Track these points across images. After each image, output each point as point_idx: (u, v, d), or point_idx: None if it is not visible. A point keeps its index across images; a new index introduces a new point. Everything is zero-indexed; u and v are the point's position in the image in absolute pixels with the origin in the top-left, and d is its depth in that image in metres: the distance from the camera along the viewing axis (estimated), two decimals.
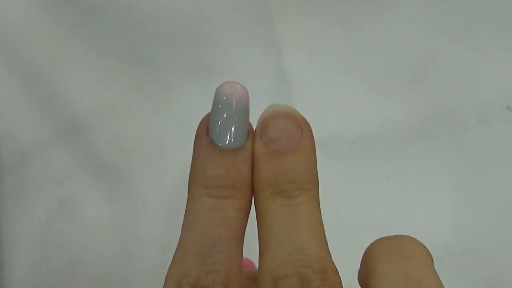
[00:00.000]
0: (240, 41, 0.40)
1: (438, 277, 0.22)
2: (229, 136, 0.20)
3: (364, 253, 0.21)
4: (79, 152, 0.38)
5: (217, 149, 0.20)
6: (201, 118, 0.41)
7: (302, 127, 0.21)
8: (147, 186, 0.38)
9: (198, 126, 0.21)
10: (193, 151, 0.21)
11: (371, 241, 0.36)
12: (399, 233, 0.38)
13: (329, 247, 0.37)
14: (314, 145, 0.21)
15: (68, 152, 0.38)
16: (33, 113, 0.39)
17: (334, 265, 0.20)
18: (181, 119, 0.39)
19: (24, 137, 0.38)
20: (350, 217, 0.37)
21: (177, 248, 0.20)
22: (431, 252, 0.37)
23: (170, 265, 0.20)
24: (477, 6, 0.41)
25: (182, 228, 0.20)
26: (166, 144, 0.38)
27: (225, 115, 0.20)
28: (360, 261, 0.37)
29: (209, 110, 0.42)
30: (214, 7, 0.41)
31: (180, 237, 0.20)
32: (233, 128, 0.20)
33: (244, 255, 0.21)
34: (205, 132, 0.21)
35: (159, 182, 0.38)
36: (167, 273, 0.20)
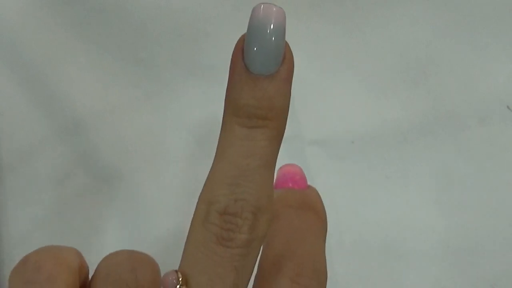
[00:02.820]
0: None
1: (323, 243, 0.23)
2: (263, 61, 0.19)
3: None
4: (79, 152, 0.38)
5: (250, 77, 0.19)
6: (201, 118, 0.41)
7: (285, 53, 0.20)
8: (147, 186, 0.38)
9: (234, 49, 0.20)
10: (229, 75, 0.20)
11: (371, 241, 0.36)
12: (398, 233, 0.38)
13: (329, 247, 0.37)
14: (292, 77, 0.20)
15: (68, 152, 0.38)
16: (33, 113, 0.39)
17: (271, 210, 0.20)
18: (181, 119, 0.39)
19: (24, 137, 0.38)
20: (350, 217, 0.37)
21: (208, 177, 0.20)
22: (431, 252, 0.37)
23: (201, 193, 0.20)
24: (477, 6, 0.41)
25: (215, 155, 0.20)
26: (166, 144, 0.38)
27: (258, 41, 0.19)
28: (360, 261, 0.37)
29: (209, 110, 0.43)
30: (214, 7, 0.41)
31: (212, 166, 0.20)
32: (267, 55, 0.19)
33: None
34: (241, 55, 0.20)
35: (159, 182, 0.38)
36: (198, 201, 0.20)
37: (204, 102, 0.39)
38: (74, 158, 0.38)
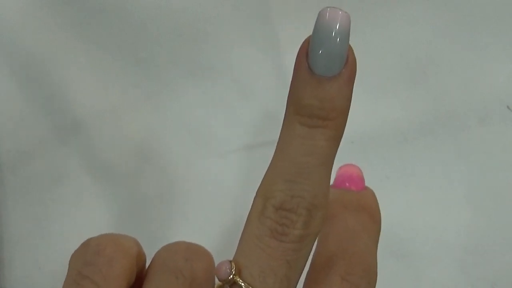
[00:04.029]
0: (240, 41, 0.40)
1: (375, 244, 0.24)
2: (327, 63, 0.20)
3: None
4: (79, 152, 0.38)
5: (314, 77, 0.20)
6: (201, 118, 0.41)
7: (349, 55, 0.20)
8: (147, 186, 0.38)
9: (299, 50, 0.20)
10: (293, 75, 0.21)
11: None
12: (398, 233, 0.38)
13: None
14: (354, 78, 0.21)
15: (68, 152, 0.38)
16: (33, 113, 0.39)
17: (326, 208, 0.21)
18: (181, 119, 0.39)
19: (24, 137, 0.38)
20: None
21: (267, 171, 0.21)
22: (431, 252, 0.37)
23: (259, 186, 0.21)
24: (477, 6, 0.41)
25: (274, 152, 0.21)
26: (166, 144, 0.38)
27: (324, 44, 0.20)
28: None
29: (209, 111, 0.43)
30: (214, 7, 0.41)
31: (272, 160, 0.21)
32: (331, 57, 0.20)
33: None
34: (305, 56, 0.20)
35: (159, 182, 0.38)
36: (256, 194, 0.21)
37: (204, 102, 0.39)
38: (74, 158, 0.38)
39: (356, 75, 0.43)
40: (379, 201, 0.38)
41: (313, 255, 0.23)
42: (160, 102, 0.39)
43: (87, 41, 0.40)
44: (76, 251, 0.22)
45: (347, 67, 0.20)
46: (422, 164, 0.38)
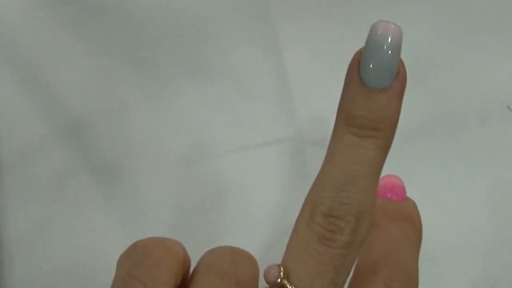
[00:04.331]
0: (240, 41, 0.40)
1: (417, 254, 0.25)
2: (378, 76, 0.20)
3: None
4: (79, 152, 0.38)
5: (364, 89, 0.20)
6: (201, 118, 0.41)
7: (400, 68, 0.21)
8: (147, 186, 0.38)
9: (351, 61, 0.21)
10: (344, 86, 0.21)
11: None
12: None
13: None
14: (404, 92, 0.21)
15: (68, 152, 0.38)
16: (33, 113, 0.39)
17: (373, 216, 0.21)
18: (181, 119, 0.39)
19: (24, 137, 0.38)
20: None
21: (316, 179, 0.22)
22: (430, 252, 0.37)
23: (308, 193, 0.22)
24: (477, 6, 0.41)
25: (324, 160, 0.22)
26: (166, 144, 0.38)
27: (375, 57, 0.20)
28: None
29: (209, 111, 0.43)
30: (214, 7, 0.41)
31: (321, 168, 0.22)
32: (382, 70, 0.20)
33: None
34: (357, 68, 0.20)
35: (159, 182, 0.38)
36: (305, 200, 0.22)
37: (204, 102, 0.39)
38: (74, 158, 0.38)
39: None
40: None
41: (357, 262, 0.23)
42: (160, 102, 0.39)
43: (87, 41, 0.40)
44: (124, 253, 0.23)
45: (398, 80, 0.20)
46: (422, 164, 0.38)
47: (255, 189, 0.37)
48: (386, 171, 0.38)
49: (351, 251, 0.21)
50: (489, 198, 0.37)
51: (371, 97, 0.20)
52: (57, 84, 0.39)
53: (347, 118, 0.21)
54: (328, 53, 0.40)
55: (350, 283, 0.23)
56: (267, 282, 0.21)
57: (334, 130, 0.22)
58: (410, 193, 0.38)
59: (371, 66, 0.20)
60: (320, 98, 0.39)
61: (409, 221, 0.25)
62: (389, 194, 0.27)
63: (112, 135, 0.38)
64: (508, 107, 0.39)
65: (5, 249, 0.36)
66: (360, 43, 0.43)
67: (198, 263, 0.23)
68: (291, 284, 0.21)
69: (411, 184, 0.38)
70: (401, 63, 0.20)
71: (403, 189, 0.27)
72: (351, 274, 0.22)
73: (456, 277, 0.36)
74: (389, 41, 0.20)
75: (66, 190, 0.37)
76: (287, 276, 0.21)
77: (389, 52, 0.20)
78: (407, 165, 0.38)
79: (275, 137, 0.39)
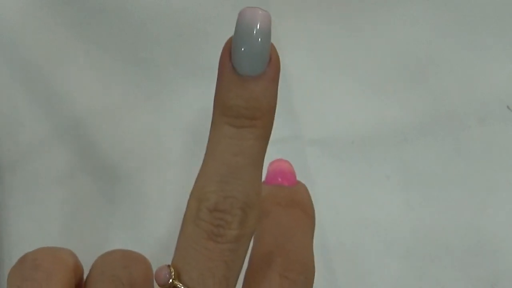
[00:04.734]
0: None
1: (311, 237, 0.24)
2: (250, 63, 0.20)
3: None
4: (79, 152, 0.38)
5: (238, 77, 0.20)
6: (201, 118, 0.41)
7: (271, 55, 0.20)
8: (147, 186, 0.38)
9: (222, 51, 0.20)
10: (217, 77, 0.21)
11: (371, 241, 0.36)
12: (398, 233, 0.38)
13: (329, 247, 0.37)
14: (278, 77, 0.21)
15: (68, 152, 0.38)
16: (33, 113, 0.39)
17: (259, 206, 0.21)
18: (181, 119, 0.39)
19: (24, 137, 0.38)
20: (350, 217, 0.37)
21: (198, 174, 0.21)
22: (430, 252, 0.37)
23: (192, 189, 0.21)
24: (477, 6, 0.41)
25: (205, 154, 0.21)
26: (166, 144, 0.38)
27: (245, 43, 0.20)
28: (359, 261, 0.37)
29: (209, 111, 0.42)
30: (214, 7, 0.41)
31: (202, 163, 0.21)
32: (254, 56, 0.20)
33: None
34: (228, 56, 0.20)
35: (159, 182, 0.38)
36: (189, 197, 0.21)
37: (204, 102, 0.39)
38: (74, 158, 0.38)
39: (356, 74, 0.43)
40: (378, 201, 0.38)
41: (250, 254, 0.23)
42: (160, 102, 0.39)
43: (87, 41, 0.40)
44: (13, 267, 0.22)
45: (271, 66, 0.20)
46: (422, 164, 0.38)
47: None
48: (386, 171, 0.38)
49: (240, 245, 0.20)
50: (489, 198, 0.37)
51: (245, 86, 0.20)
52: (57, 84, 0.39)
53: (223, 108, 0.21)
54: (328, 53, 0.40)
55: (245, 277, 0.23)
56: (158, 284, 0.21)
57: (212, 122, 0.21)
58: (410, 193, 0.38)
59: (242, 53, 0.20)
60: (320, 98, 0.39)
61: (300, 207, 0.24)
62: (279, 179, 0.26)
63: (112, 135, 0.38)
64: (508, 107, 0.39)
65: (5, 249, 0.36)
66: (360, 43, 0.43)
67: (91, 269, 0.23)
68: (182, 284, 0.20)
69: (411, 184, 0.38)
70: (273, 49, 0.20)
71: (293, 174, 0.26)
72: (245, 267, 0.22)
73: (456, 277, 0.36)
74: (258, 27, 0.19)
75: (66, 190, 0.37)
76: (178, 276, 0.20)
77: (259, 38, 0.19)
78: (407, 165, 0.38)
79: (275, 137, 0.38)
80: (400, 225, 0.37)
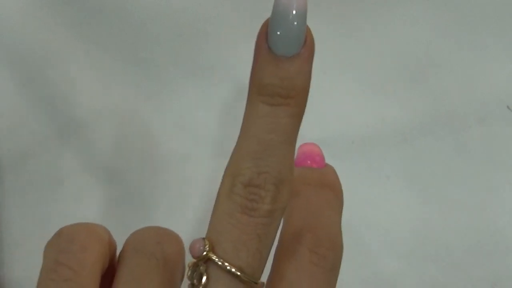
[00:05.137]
0: (240, 41, 0.40)
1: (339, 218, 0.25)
2: (286, 44, 0.20)
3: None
4: (79, 152, 0.38)
5: (273, 57, 0.20)
6: (201, 118, 0.41)
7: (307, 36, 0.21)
8: (147, 186, 0.38)
9: (259, 32, 0.21)
10: (254, 56, 0.21)
11: (371, 241, 0.36)
12: (398, 233, 0.38)
13: None
14: (313, 58, 0.21)
15: (68, 152, 0.38)
16: (33, 113, 0.39)
17: (292, 182, 0.22)
18: (181, 119, 0.39)
19: (24, 137, 0.38)
20: (350, 217, 0.37)
21: (233, 151, 0.22)
22: (431, 252, 0.37)
23: (227, 166, 0.22)
24: (477, 6, 0.41)
25: (240, 132, 0.22)
26: (166, 144, 0.38)
27: (282, 25, 0.20)
28: (360, 261, 0.37)
29: (209, 111, 0.42)
30: (214, 7, 0.41)
31: (237, 140, 0.22)
32: (289, 38, 0.20)
33: None
34: (264, 38, 0.21)
35: (159, 182, 0.38)
36: (224, 173, 0.22)
37: (204, 102, 0.39)
38: (74, 158, 0.38)
39: (356, 75, 0.43)
40: (379, 201, 0.38)
41: (280, 232, 0.23)
42: (160, 102, 0.39)
43: (87, 41, 0.40)
44: (49, 241, 0.23)
45: (306, 47, 0.21)
46: (422, 164, 0.38)
47: None
48: (386, 171, 0.38)
49: (273, 219, 0.21)
50: (489, 198, 0.37)
51: (281, 65, 0.20)
52: (57, 84, 0.39)
53: (258, 87, 0.21)
54: (328, 53, 0.40)
55: (275, 253, 0.23)
56: (193, 256, 0.21)
57: (248, 101, 0.22)
58: (410, 193, 0.38)
59: (278, 35, 0.20)
60: (320, 98, 0.39)
61: (330, 187, 0.25)
62: (308, 162, 0.27)
63: (112, 135, 0.38)
64: (508, 107, 0.39)
65: (5, 249, 0.36)
66: (360, 43, 0.43)
67: (124, 245, 0.24)
68: (216, 256, 0.21)
69: (411, 184, 0.38)
70: (308, 31, 0.21)
71: (321, 156, 0.27)
72: (276, 243, 0.23)
73: (456, 277, 0.36)
74: (294, 9, 0.20)
75: (66, 190, 0.37)
76: (212, 249, 0.21)
77: (295, 21, 0.20)
78: (407, 165, 0.38)
79: None
80: (400, 225, 0.37)
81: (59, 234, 0.23)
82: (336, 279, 0.23)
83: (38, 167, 0.38)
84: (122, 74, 0.40)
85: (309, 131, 0.39)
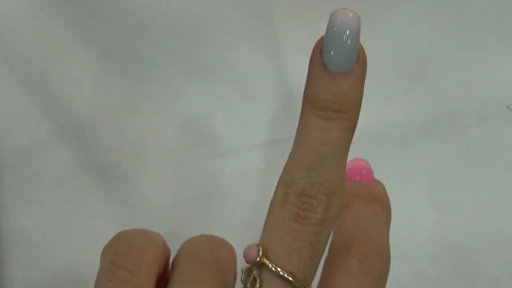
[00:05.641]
0: (240, 41, 0.40)
1: (387, 232, 0.25)
2: (340, 61, 0.21)
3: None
4: (79, 152, 0.38)
5: (327, 73, 0.21)
6: (201, 118, 0.41)
7: (359, 52, 0.22)
8: (147, 186, 0.38)
9: (313, 48, 0.22)
10: (308, 72, 0.22)
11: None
12: (398, 233, 0.38)
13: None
14: (365, 75, 0.22)
15: (68, 152, 0.38)
16: (33, 113, 0.39)
17: (343, 193, 0.22)
18: (181, 119, 0.39)
19: (24, 137, 0.38)
20: None
21: (287, 162, 0.23)
22: (431, 252, 0.37)
23: (281, 176, 0.23)
24: (477, 6, 0.41)
25: (293, 144, 0.23)
26: (166, 144, 0.38)
27: (336, 45, 0.21)
28: None
29: (209, 111, 0.43)
30: (214, 7, 0.41)
31: (291, 151, 0.23)
32: (343, 56, 0.21)
33: None
34: (319, 54, 0.22)
35: (159, 182, 0.38)
36: (278, 182, 0.23)
37: (204, 102, 0.39)
38: (74, 158, 0.38)
39: None
40: None
41: (331, 241, 0.24)
42: (160, 102, 0.39)
43: (87, 41, 0.40)
44: (107, 244, 0.24)
45: (358, 63, 0.22)
46: (422, 164, 0.38)
47: (255, 188, 0.37)
48: (386, 169, 0.38)
49: (324, 228, 0.22)
50: (489, 198, 0.37)
51: (335, 81, 0.21)
52: (57, 84, 0.39)
53: (313, 101, 0.22)
54: None
55: (326, 261, 0.24)
56: (247, 262, 0.22)
57: (301, 114, 0.22)
58: (410, 193, 0.38)
59: (332, 53, 0.21)
60: None
61: (379, 201, 0.26)
62: (358, 177, 0.27)
63: (112, 135, 0.38)
64: (508, 107, 0.39)
65: (5, 249, 0.36)
66: (361, 43, 0.43)
67: (179, 252, 0.25)
68: (270, 262, 0.21)
69: (411, 184, 0.38)
70: (361, 48, 0.22)
71: (370, 172, 0.28)
72: (326, 252, 0.23)
73: (456, 277, 0.36)
74: (348, 29, 0.21)
75: (66, 190, 0.37)
76: (265, 255, 0.22)
77: (349, 40, 0.21)
78: (407, 165, 0.38)
79: (275, 137, 0.39)
80: (400, 225, 0.37)
81: (117, 237, 0.24)
82: None
83: (38, 167, 0.38)
84: (122, 74, 0.40)
85: None
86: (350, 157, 0.38)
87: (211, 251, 0.24)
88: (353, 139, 0.39)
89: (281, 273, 0.21)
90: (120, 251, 0.23)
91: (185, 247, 0.25)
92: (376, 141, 0.38)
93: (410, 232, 0.37)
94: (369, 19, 0.41)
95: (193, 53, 0.40)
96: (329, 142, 0.22)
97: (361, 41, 0.44)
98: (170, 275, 0.24)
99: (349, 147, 0.22)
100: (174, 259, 0.24)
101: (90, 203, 0.37)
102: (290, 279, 0.21)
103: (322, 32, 0.38)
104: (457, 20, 0.41)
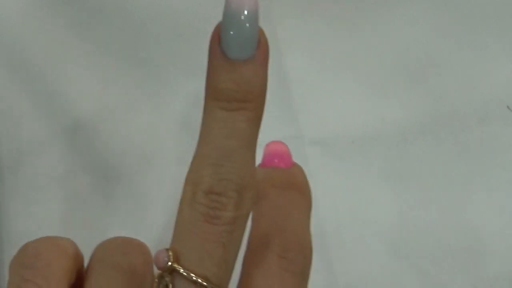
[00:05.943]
0: None
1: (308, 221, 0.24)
2: (239, 47, 0.20)
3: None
4: (79, 152, 0.38)
5: (227, 61, 0.20)
6: (201, 118, 0.41)
7: (260, 37, 0.20)
8: (147, 186, 0.38)
9: (211, 37, 0.21)
10: (208, 62, 0.21)
11: (371, 241, 0.36)
12: (399, 233, 0.38)
13: (329, 247, 0.37)
14: (268, 60, 0.21)
15: (68, 152, 0.38)
16: (33, 113, 0.39)
17: (254, 187, 0.21)
18: (181, 119, 0.39)
19: (24, 137, 0.38)
20: (350, 217, 0.37)
21: (193, 158, 0.21)
22: (431, 252, 0.37)
23: (187, 174, 0.21)
24: (477, 6, 0.41)
25: (198, 138, 0.21)
26: (166, 143, 0.38)
27: (233, 28, 0.20)
28: (360, 261, 0.37)
29: None
30: (214, 7, 0.41)
31: (196, 147, 0.21)
32: (242, 40, 0.20)
33: None
34: (217, 41, 0.20)
35: (159, 182, 0.38)
36: (184, 181, 0.21)
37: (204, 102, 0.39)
38: (74, 158, 0.38)
39: (356, 74, 0.43)
40: (380, 201, 0.38)
41: (248, 237, 0.23)
42: (160, 102, 0.39)
43: (87, 41, 0.40)
44: (15, 257, 0.23)
45: (260, 49, 0.20)
46: (422, 164, 0.38)
47: None
48: (386, 169, 0.38)
49: (237, 226, 0.21)
50: (489, 198, 0.37)
51: (236, 69, 0.20)
52: (57, 84, 0.39)
53: (214, 93, 0.21)
54: (328, 53, 0.40)
55: (244, 259, 0.23)
56: (158, 268, 0.21)
57: (204, 107, 0.21)
58: (410, 193, 0.38)
59: (230, 38, 0.20)
60: (320, 98, 0.39)
61: (297, 189, 0.25)
62: (276, 160, 0.26)
63: (112, 135, 0.38)
64: (508, 107, 0.39)
65: (5, 249, 0.36)
66: (360, 43, 0.43)
67: (91, 258, 0.23)
68: (181, 267, 0.20)
69: (412, 184, 0.38)
70: (261, 32, 0.20)
71: (289, 155, 0.26)
72: (244, 249, 0.22)
73: (456, 277, 0.36)
74: (246, 12, 0.20)
75: (66, 190, 0.37)
76: (177, 259, 0.20)
77: (247, 22, 0.20)
78: (407, 165, 0.38)
79: (275, 137, 0.39)
80: (400, 225, 0.37)
81: (23, 249, 0.23)
82: (307, 283, 0.22)
83: (38, 167, 0.38)
84: (122, 74, 0.40)
85: (310, 131, 0.39)
86: (355, 157, 0.38)
87: (124, 255, 0.22)
88: (353, 139, 0.39)
89: (194, 278, 0.20)
90: (28, 264, 0.22)
91: (98, 252, 0.23)
92: (376, 141, 0.38)
93: (410, 232, 0.37)
94: (369, 19, 0.41)
95: (193, 53, 0.40)
96: (235, 135, 0.20)
97: (361, 41, 0.44)
98: (83, 283, 0.22)
99: (257, 138, 0.21)
100: (87, 266, 0.23)
101: (90, 203, 0.37)
102: (205, 283, 0.20)
103: (322, 32, 0.38)
104: (457, 20, 0.41)
